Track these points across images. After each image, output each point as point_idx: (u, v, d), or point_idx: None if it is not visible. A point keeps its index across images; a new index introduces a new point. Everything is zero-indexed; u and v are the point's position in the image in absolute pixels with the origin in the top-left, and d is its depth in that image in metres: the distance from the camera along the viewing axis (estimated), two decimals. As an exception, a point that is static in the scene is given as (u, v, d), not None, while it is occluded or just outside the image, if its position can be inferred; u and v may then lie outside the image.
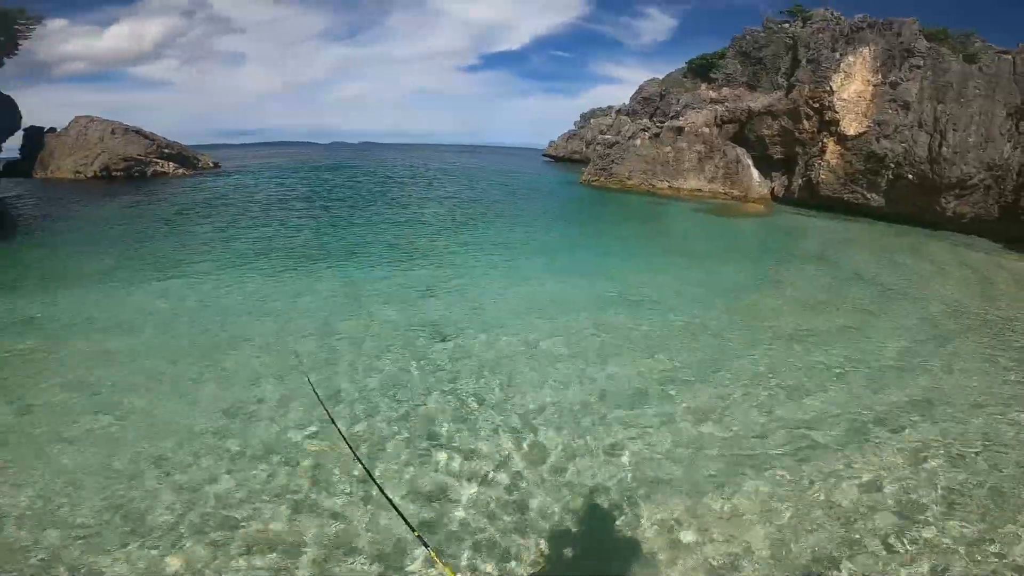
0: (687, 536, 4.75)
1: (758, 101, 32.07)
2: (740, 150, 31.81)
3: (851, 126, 25.64)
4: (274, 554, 4.59)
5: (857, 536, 4.75)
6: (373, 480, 3.55)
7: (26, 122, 34.62)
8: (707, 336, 9.46)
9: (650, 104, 44.28)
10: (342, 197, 29.72)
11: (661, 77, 46.24)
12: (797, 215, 25.79)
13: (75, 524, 4.85)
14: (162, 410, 6.77)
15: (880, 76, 26.46)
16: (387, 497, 3.21)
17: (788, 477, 5.56)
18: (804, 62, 29.89)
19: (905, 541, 4.71)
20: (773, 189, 30.33)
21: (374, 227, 20.56)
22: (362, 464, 3.57)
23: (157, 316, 10.32)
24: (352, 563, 4.49)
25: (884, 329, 10.07)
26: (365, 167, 50.79)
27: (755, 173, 31.08)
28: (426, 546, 2.79)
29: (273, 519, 4.98)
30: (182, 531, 4.80)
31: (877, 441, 6.24)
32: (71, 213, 23.74)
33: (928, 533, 4.79)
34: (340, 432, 4.16)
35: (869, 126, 25.13)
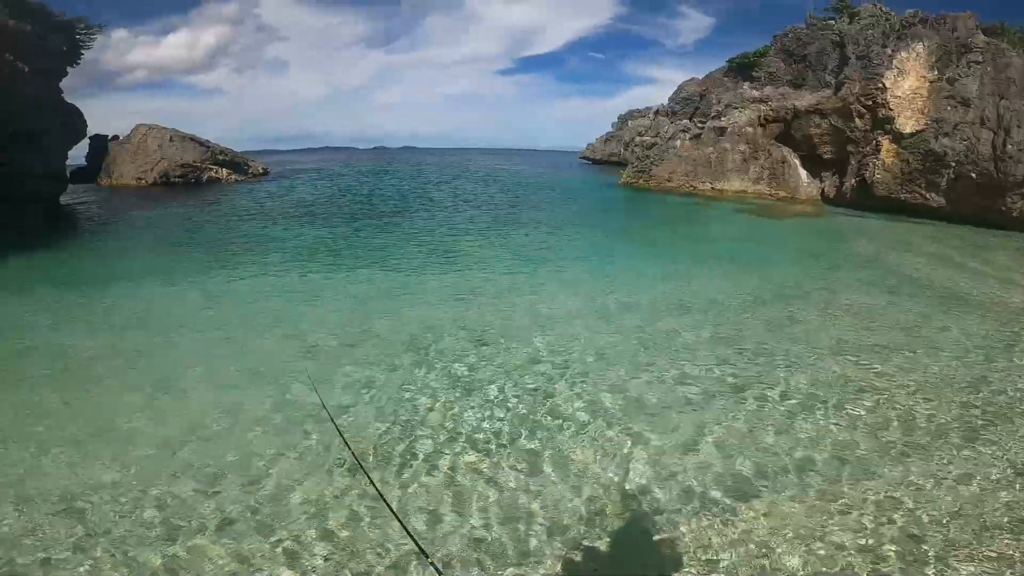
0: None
1: (804, 99, 31.49)
2: (786, 150, 31.28)
3: (907, 123, 24.98)
4: (268, 565, 4.45)
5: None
6: (380, 493, 3.29)
7: (94, 130, 36.54)
8: (746, 346, 9.08)
9: (690, 104, 43.75)
10: (385, 200, 30.54)
11: (700, 77, 45.72)
12: (849, 216, 25.22)
13: (88, 521, 4.92)
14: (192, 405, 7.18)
15: (936, 72, 25.73)
16: (392, 511, 3.01)
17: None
18: (854, 59, 29.26)
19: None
20: (823, 189, 29.71)
21: (417, 229, 21.08)
22: (368, 477, 3.41)
23: (202, 315, 10.98)
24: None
25: (944, 339, 9.44)
26: (406, 171, 51.83)
27: (803, 173, 30.51)
28: (440, 574, 2.60)
29: (269, 526, 4.87)
30: (177, 532, 4.82)
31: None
32: (133, 217, 25.13)
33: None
34: (343, 439, 3.82)
35: (927, 123, 24.44)
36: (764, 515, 5.00)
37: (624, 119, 63.40)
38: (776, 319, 10.54)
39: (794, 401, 7.14)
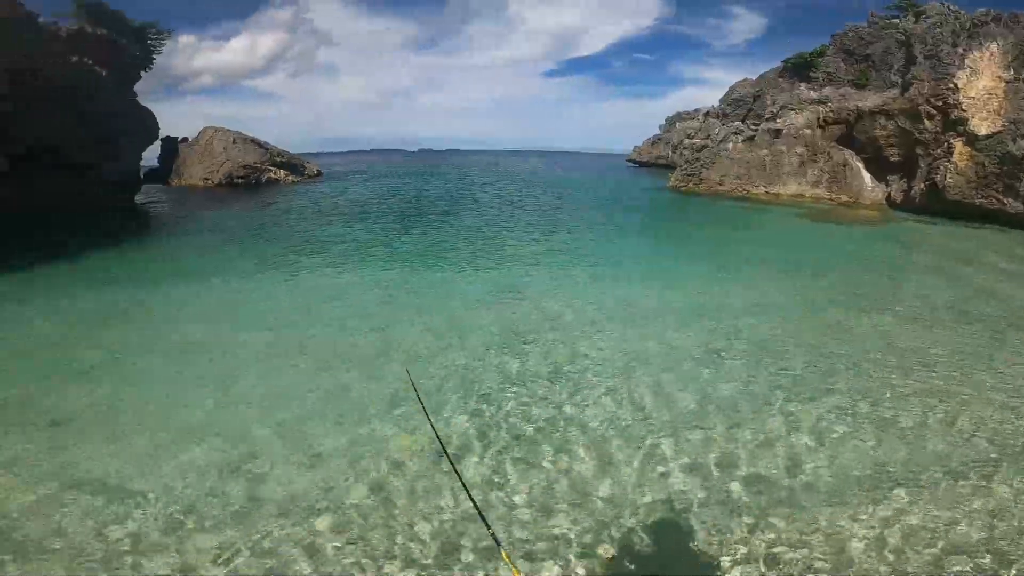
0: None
1: (868, 100, 30.34)
2: (848, 152, 30.18)
3: (982, 125, 23.73)
4: (342, 535, 4.78)
5: None
6: (458, 475, 3.50)
7: (164, 132, 38.59)
8: (801, 353, 8.77)
9: (742, 106, 42.74)
10: (433, 201, 31.30)
11: (754, 78, 44.61)
12: (917, 222, 24.10)
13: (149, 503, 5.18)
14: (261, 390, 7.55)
15: (1012, 72, 24.39)
16: (468, 492, 3.20)
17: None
18: (921, 58, 28.00)
19: None
20: (890, 194, 28.51)
21: (461, 230, 21.49)
22: (448, 459, 3.62)
23: (260, 309, 11.54)
24: (421, 553, 4.60)
25: (1009, 356, 8.75)
26: (452, 173, 52.65)
27: (867, 177, 29.37)
28: (499, 545, 2.74)
29: (348, 503, 5.18)
30: (262, 511, 5.12)
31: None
32: (204, 217, 26.47)
33: None
34: (432, 424, 4.13)
35: (1004, 125, 23.15)
36: (831, 517, 4.97)
37: (672, 121, 62.44)
38: (833, 326, 10.19)
39: (845, 409, 6.97)
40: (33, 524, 4.89)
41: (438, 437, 4.18)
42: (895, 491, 5.34)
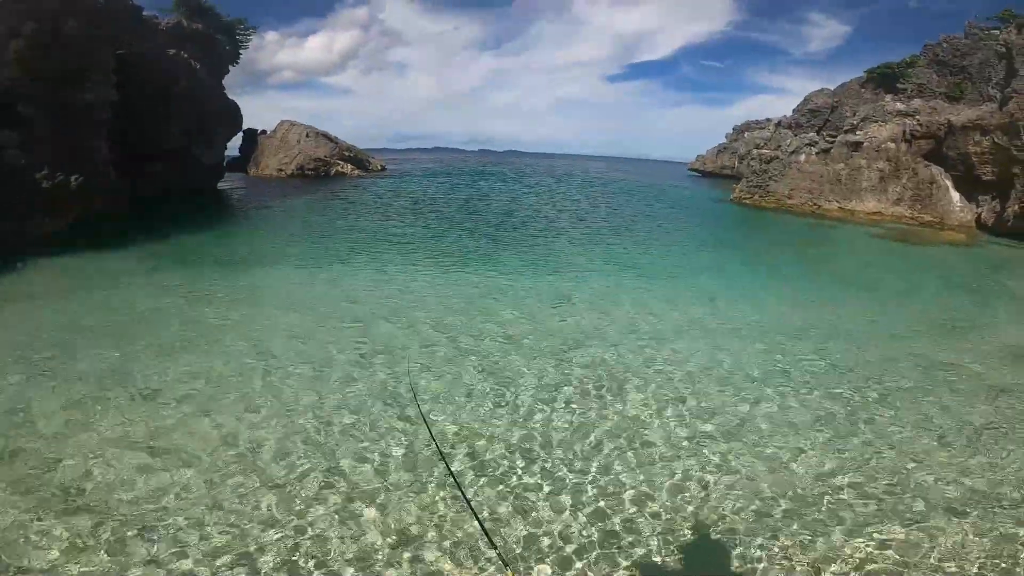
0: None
1: (961, 114, 28.43)
2: (936, 169, 28.38)
3: (1093, 146, 21.85)
4: (341, 547, 4.49)
5: None
6: (462, 491, 3.42)
7: (245, 124, 40.75)
8: (879, 382, 8.28)
9: (818, 116, 40.87)
10: (488, 201, 31.67)
11: (832, 88, 42.64)
12: (1011, 247, 22.41)
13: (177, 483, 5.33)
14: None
15: None
16: (472, 509, 3.10)
17: None
18: (1022, 72, 26.11)
19: None
20: (980, 215, 26.63)
21: (515, 233, 21.55)
22: (452, 475, 3.50)
23: (324, 299, 11.86)
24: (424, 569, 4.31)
25: None
26: (511, 174, 53.05)
27: (955, 196, 27.52)
28: (506, 565, 2.68)
29: (346, 509, 4.87)
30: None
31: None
32: (277, 206, 27.94)
33: None
34: (431, 434, 3.94)
35: (1119, 146, 21.24)
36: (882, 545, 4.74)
37: (740, 130, 60.52)
38: (916, 354, 9.55)
39: (928, 441, 6.60)
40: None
41: (437, 445, 4.06)
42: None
